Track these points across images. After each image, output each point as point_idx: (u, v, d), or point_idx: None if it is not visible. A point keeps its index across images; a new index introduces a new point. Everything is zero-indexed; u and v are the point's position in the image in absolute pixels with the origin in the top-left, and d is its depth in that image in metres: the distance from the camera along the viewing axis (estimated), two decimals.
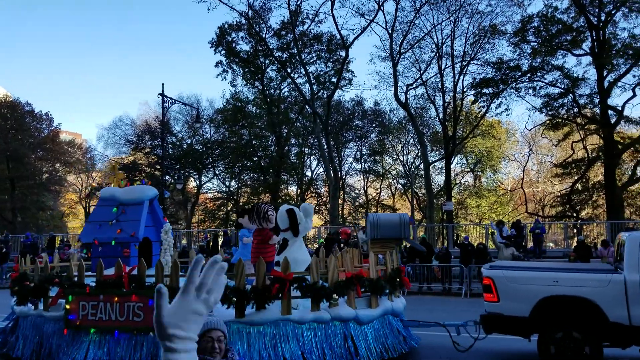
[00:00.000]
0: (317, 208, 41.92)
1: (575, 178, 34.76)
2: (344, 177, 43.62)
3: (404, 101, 34.20)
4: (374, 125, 42.84)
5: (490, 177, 47.73)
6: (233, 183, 44.83)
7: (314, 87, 35.72)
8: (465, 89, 34.68)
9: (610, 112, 29.58)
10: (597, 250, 19.74)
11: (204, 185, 45.87)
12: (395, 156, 46.55)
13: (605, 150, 30.02)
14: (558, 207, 36.31)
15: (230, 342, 7.04)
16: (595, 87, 29.48)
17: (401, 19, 32.94)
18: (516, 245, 19.73)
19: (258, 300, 7.90)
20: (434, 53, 34.04)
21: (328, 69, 37.18)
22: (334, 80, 36.12)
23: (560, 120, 32.95)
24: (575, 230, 26.25)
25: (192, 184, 46.17)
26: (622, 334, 7.57)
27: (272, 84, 40.31)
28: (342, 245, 17.24)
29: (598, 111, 30.40)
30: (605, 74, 29.05)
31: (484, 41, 32.47)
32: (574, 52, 30.57)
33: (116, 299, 8.15)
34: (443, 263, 19.22)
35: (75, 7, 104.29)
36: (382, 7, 32.26)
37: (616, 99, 52.82)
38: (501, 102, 33.25)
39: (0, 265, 24.66)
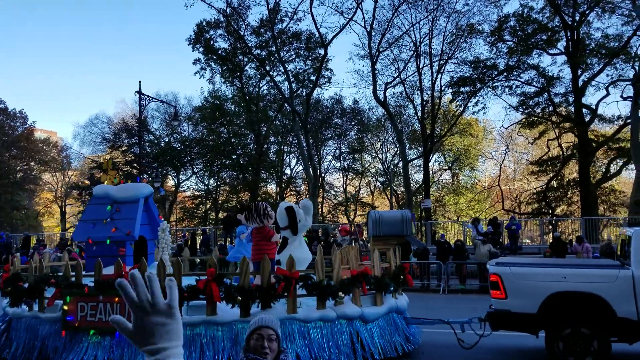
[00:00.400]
0: None
1: (551, 175, 35.33)
2: (323, 175, 43.67)
3: (382, 99, 34.37)
4: (353, 123, 42.95)
5: (468, 174, 48.25)
6: (212, 181, 44.60)
7: (293, 85, 35.68)
8: (443, 88, 35.10)
9: (584, 110, 30.16)
10: (572, 246, 20.08)
11: (183, 184, 45.58)
12: (374, 154, 46.81)
13: (579, 148, 30.57)
14: (534, 204, 36.82)
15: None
16: (570, 86, 30.02)
17: (380, 18, 33.16)
18: (493, 242, 20.03)
19: (263, 299, 7.80)
20: (412, 52, 34.33)
21: (307, 67, 37.22)
22: (313, 78, 36.16)
23: (536, 118, 33.47)
24: (550, 227, 26.64)
25: (170, 182, 45.74)
26: (630, 329, 7.62)
27: (251, 81, 40.20)
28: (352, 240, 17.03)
29: (573, 110, 30.95)
30: (579, 73, 29.58)
31: (461, 40, 32.85)
32: (549, 51, 31.06)
33: (116, 299, 8.00)
34: (421, 260, 19.42)
35: (33, 7, 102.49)
36: (360, 6, 32.44)
37: (590, 97, 53.92)
38: (478, 100, 33.76)
39: None
